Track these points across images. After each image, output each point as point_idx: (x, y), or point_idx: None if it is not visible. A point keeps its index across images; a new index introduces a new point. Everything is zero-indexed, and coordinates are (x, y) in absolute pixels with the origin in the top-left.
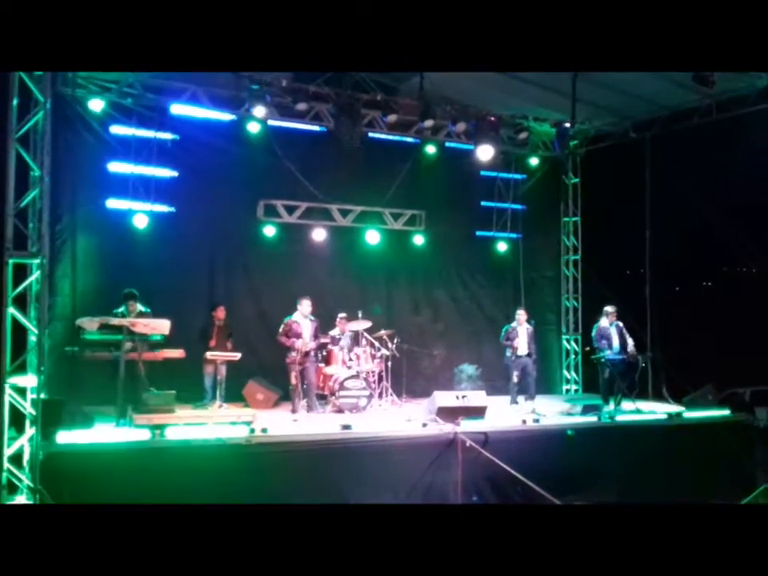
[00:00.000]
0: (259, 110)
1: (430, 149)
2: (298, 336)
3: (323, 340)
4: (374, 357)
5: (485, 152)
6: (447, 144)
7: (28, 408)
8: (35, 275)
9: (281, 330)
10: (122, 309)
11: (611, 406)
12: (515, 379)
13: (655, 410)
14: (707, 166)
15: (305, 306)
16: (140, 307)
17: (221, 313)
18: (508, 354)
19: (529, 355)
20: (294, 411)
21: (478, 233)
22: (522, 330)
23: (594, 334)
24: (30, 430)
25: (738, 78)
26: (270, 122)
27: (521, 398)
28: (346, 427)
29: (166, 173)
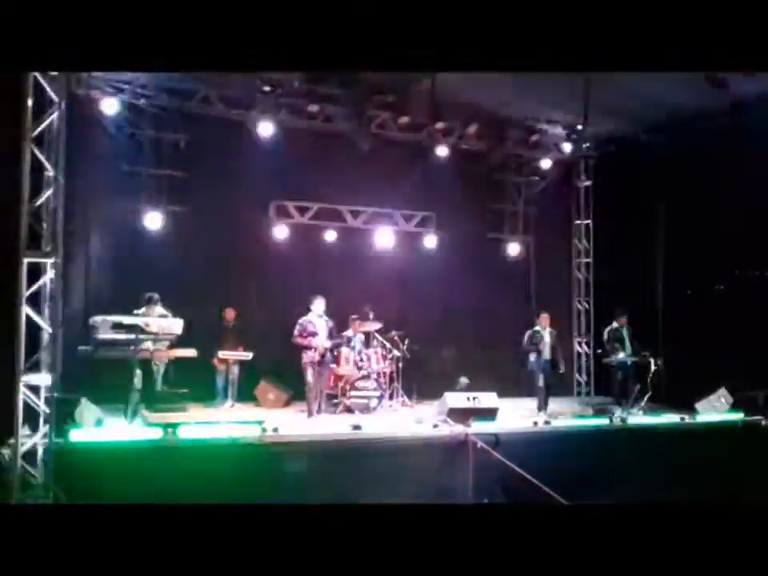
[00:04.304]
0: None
1: (442, 150)
2: (314, 335)
3: (337, 340)
4: (385, 358)
5: None
6: (459, 146)
7: (41, 406)
8: (49, 275)
9: (296, 331)
10: (141, 311)
11: (623, 408)
12: (541, 383)
13: (667, 413)
14: (720, 168)
15: (318, 304)
16: (162, 311)
17: (228, 314)
18: (532, 358)
19: (549, 361)
20: (310, 414)
21: (490, 235)
22: (546, 334)
23: (605, 336)
24: (43, 428)
25: (753, 80)
26: (282, 124)
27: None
28: (357, 428)
29: (178, 173)
